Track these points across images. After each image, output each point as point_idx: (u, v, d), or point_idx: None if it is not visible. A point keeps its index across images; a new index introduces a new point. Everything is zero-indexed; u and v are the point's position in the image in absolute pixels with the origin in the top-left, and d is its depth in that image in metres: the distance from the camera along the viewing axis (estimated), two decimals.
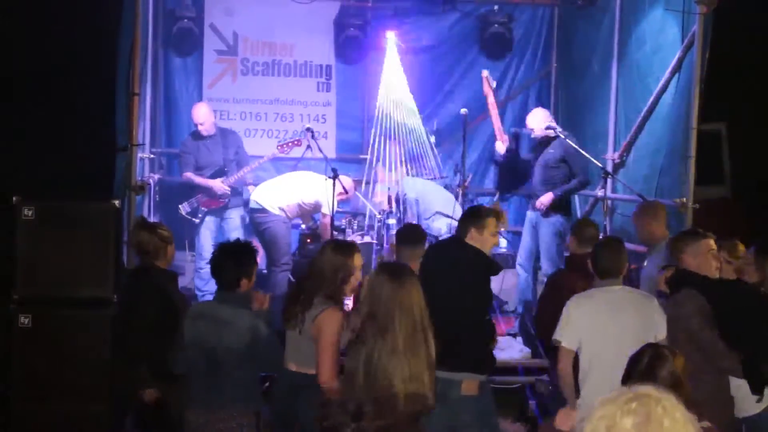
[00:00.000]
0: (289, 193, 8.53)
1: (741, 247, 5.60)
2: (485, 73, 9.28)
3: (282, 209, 8.45)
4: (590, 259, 5.09)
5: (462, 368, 5.05)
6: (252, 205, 8.55)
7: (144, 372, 5.32)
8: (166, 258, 5.61)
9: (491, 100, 9.14)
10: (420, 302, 3.86)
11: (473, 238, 5.29)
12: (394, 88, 9.65)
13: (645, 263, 6.39)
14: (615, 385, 4.54)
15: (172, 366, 4.91)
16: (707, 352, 4.82)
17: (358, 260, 4.84)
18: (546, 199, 8.20)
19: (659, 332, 4.81)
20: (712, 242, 5.19)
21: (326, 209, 8.28)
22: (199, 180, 8.76)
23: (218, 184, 8.75)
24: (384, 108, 9.59)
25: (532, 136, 8.63)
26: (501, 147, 8.80)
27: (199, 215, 8.80)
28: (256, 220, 8.49)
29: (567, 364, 4.89)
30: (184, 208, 8.79)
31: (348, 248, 4.89)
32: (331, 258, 4.76)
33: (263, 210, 8.41)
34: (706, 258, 5.11)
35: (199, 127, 8.81)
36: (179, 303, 5.43)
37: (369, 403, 3.33)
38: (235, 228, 8.88)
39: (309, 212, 8.79)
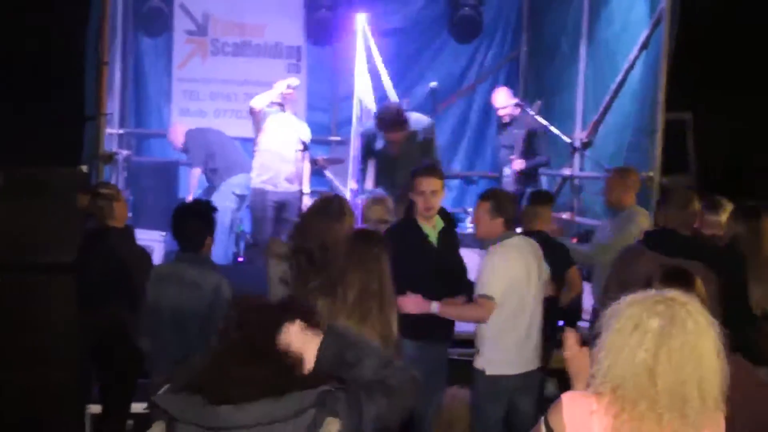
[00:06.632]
0: None
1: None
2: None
3: None
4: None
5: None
6: None
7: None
8: (115, 216, 5.41)
9: None
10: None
11: None
12: (365, 72, 9.61)
13: (601, 226, 6.42)
14: (517, 329, 4.75)
15: (136, 340, 4.87)
16: None
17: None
18: (519, 164, 8.32)
19: (544, 276, 5.08)
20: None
21: None
22: None
23: None
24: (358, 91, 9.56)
25: (499, 114, 8.70)
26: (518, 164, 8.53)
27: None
28: None
29: (487, 316, 4.82)
30: None
31: None
32: None
33: None
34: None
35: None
36: (134, 260, 5.29)
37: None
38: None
39: None
